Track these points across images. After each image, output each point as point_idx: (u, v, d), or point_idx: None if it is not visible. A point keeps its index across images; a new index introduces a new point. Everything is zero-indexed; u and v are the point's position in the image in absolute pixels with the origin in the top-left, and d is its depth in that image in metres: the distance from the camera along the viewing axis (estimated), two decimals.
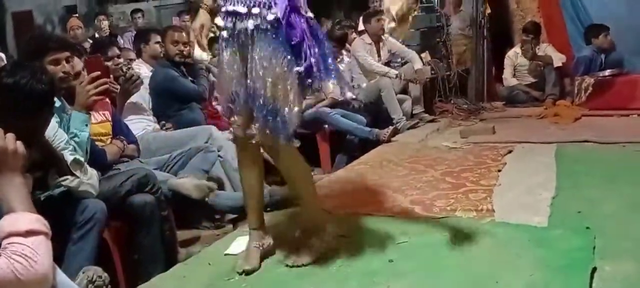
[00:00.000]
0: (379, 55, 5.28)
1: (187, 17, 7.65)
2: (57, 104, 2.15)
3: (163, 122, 3.57)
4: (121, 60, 3.97)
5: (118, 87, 2.94)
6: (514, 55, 6.42)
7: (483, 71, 6.31)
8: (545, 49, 6.29)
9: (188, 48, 3.72)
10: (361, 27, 5.84)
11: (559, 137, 4.41)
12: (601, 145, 4.04)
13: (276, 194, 2.88)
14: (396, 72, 5.12)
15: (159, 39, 4.01)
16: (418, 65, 5.25)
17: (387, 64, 5.33)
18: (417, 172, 3.54)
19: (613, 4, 6.04)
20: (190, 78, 3.74)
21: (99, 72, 2.39)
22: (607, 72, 5.73)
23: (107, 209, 2.14)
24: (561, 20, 6.43)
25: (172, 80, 3.62)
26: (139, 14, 8.01)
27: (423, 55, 5.99)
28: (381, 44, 5.30)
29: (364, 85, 5.12)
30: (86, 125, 2.27)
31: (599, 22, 5.97)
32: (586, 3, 6.21)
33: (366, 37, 5.29)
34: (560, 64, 6.13)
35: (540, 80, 6.20)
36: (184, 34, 3.79)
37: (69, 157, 2.06)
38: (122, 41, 6.85)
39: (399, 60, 5.52)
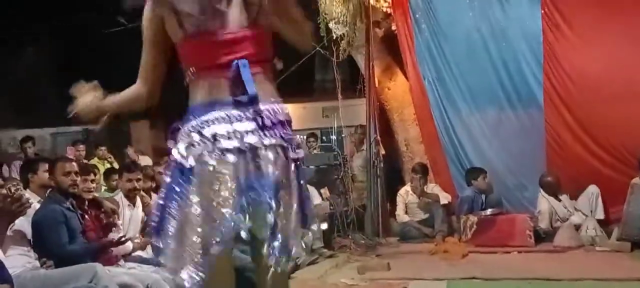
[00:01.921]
0: None
1: (82, 146, 7.43)
2: None
3: (44, 259, 3.31)
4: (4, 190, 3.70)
5: None
6: (405, 193, 6.81)
7: (378, 208, 6.59)
8: (433, 188, 6.76)
9: (79, 179, 3.59)
10: None
11: (449, 274, 4.62)
12: (488, 281, 4.28)
13: None
14: None
15: (47, 167, 3.84)
16: (317, 200, 5.41)
17: None
18: None
19: (488, 150, 6.72)
20: (79, 212, 3.56)
21: None
22: (489, 211, 6.17)
23: None
24: (444, 162, 6.99)
25: (49, 228, 3.37)
26: (30, 143, 7.56)
27: (322, 191, 6.21)
28: None
29: None
30: None
31: (477, 165, 6.57)
32: (466, 148, 6.83)
33: None
34: (446, 202, 6.57)
35: (430, 217, 6.57)
36: (74, 163, 3.66)
37: None
38: (8, 170, 6.45)
39: None
